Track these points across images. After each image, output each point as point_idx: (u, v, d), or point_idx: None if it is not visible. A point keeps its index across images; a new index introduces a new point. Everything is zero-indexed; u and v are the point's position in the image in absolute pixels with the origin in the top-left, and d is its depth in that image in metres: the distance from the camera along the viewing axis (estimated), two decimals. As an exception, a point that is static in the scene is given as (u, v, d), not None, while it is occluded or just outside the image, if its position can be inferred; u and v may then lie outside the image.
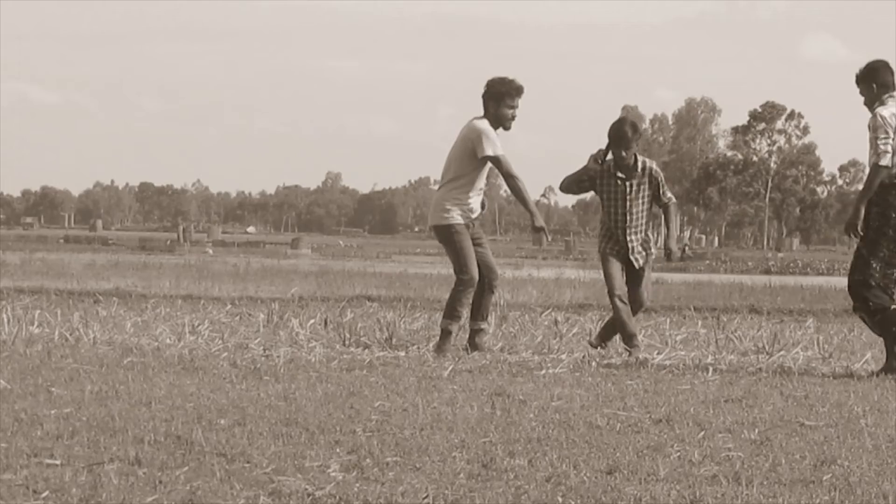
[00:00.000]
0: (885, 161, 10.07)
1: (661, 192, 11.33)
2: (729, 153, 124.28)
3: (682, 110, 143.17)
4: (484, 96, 11.16)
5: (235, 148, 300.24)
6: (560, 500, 5.29)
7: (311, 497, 5.23)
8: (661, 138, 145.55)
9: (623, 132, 11.12)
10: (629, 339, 11.21)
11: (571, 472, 5.77)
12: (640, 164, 11.26)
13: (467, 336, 11.30)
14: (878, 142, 10.05)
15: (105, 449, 6.11)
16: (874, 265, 10.11)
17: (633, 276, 11.41)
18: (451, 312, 11.12)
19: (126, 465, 5.75)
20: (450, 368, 9.78)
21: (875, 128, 10.11)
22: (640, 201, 11.29)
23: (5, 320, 12.24)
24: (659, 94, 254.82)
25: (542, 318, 14.86)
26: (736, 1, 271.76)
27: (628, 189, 11.27)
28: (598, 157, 11.21)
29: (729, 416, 7.62)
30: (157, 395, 7.95)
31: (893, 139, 10.07)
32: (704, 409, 7.91)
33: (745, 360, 11.09)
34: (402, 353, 10.94)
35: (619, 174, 11.26)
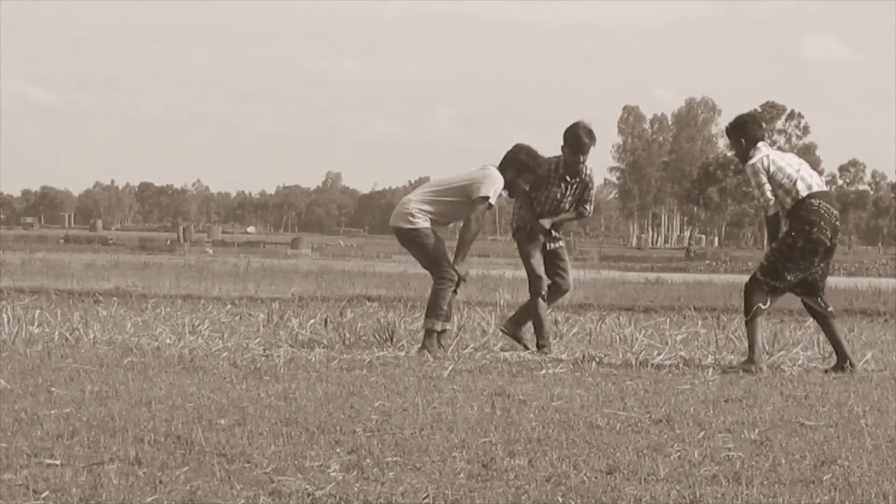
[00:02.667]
0: (774, 209, 10.49)
1: (585, 197, 11.69)
2: (729, 153, 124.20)
3: (682, 110, 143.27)
4: (507, 160, 11.30)
5: (235, 148, 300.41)
6: (560, 500, 5.29)
7: (311, 497, 5.23)
8: (661, 138, 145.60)
9: (581, 139, 11.39)
10: (545, 338, 11.47)
11: (571, 472, 5.77)
12: (586, 170, 11.57)
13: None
14: (759, 192, 10.51)
15: (105, 449, 6.10)
16: (786, 276, 10.47)
17: (559, 265, 11.67)
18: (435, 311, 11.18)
19: (126, 465, 5.74)
20: (450, 368, 9.79)
21: (751, 181, 10.56)
22: (571, 202, 11.64)
23: (5, 320, 12.25)
24: (659, 95, 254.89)
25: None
26: (735, 1, 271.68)
27: (568, 191, 11.58)
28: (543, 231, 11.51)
29: (729, 416, 7.62)
30: (157, 395, 7.95)
31: (767, 182, 10.46)
32: (704, 409, 7.91)
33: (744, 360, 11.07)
34: (402, 353, 10.94)
35: (567, 177, 11.51)
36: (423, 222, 11.27)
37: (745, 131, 10.66)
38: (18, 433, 6.48)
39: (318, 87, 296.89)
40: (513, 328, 11.71)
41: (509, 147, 11.39)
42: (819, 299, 10.74)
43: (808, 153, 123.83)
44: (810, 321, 15.59)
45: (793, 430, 7.19)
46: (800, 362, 10.97)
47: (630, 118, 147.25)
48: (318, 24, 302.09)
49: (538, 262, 11.57)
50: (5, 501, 5.10)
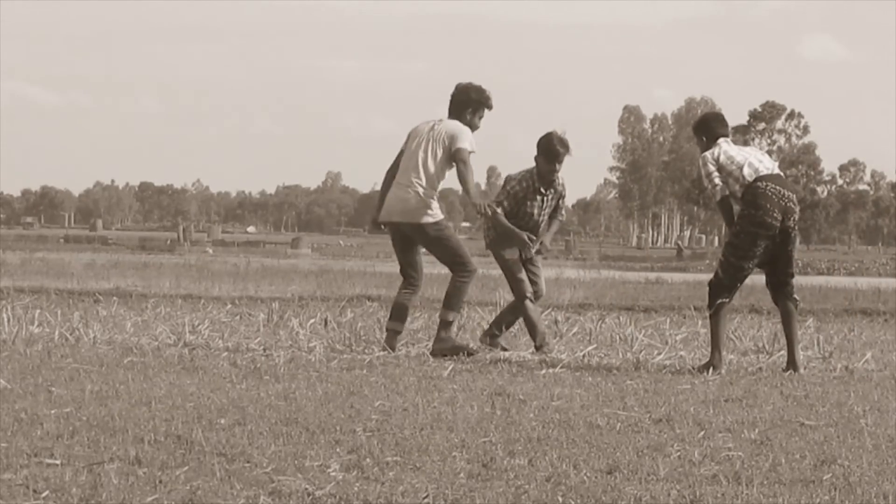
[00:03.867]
0: (720, 194, 10.41)
1: (559, 206, 11.78)
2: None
3: (682, 110, 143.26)
4: (460, 103, 11.05)
5: (235, 148, 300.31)
6: (560, 499, 5.29)
7: (311, 497, 5.23)
8: (661, 138, 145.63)
9: (555, 147, 11.42)
10: (542, 338, 11.46)
11: (571, 472, 5.77)
12: (559, 180, 11.63)
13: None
14: (708, 181, 10.45)
15: (105, 449, 6.10)
16: (743, 265, 10.36)
17: (532, 270, 11.66)
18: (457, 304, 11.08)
19: (126, 465, 5.74)
20: (450, 368, 9.78)
21: (701, 171, 10.52)
22: (547, 212, 11.69)
23: (5, 320, 12.24)
24: (659, 94, 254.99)
25: (542, 318, 14.85)
26: (735, 1, 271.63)
27: (544, 203, 11.62)
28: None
29: (729, 416, 7.61)
30: (157, 395, 7.95)
31: (715, 171, 10.40)
32: (704, 408, 7.91)
33: (745, 360, 11.09)
34: (402, 353, 10.93)
35: (542, 189, 11.55)
36: (440, 212, 11.10)
37: (707, 129, 10.67)
38: (18, 433, 6.47)
39: (318, 87, 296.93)
40: (491, 340, 11.62)
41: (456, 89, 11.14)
42: (787, 290, 10.54)
43: (808, 153, 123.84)
44: (810, 321, 15.62)
45: (793, 430, 7.19)
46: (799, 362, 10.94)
47: (630, 118, 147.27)
48: (318, 24, 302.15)
49: (517, 266, 11.52)
50: (5, 501, 5.10)
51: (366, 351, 11.04)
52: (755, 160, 10.40)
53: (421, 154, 10.94)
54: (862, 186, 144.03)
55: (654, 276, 32.30)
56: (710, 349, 10.47)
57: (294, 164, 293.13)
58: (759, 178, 10.29)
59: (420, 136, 10.99)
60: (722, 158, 10.41)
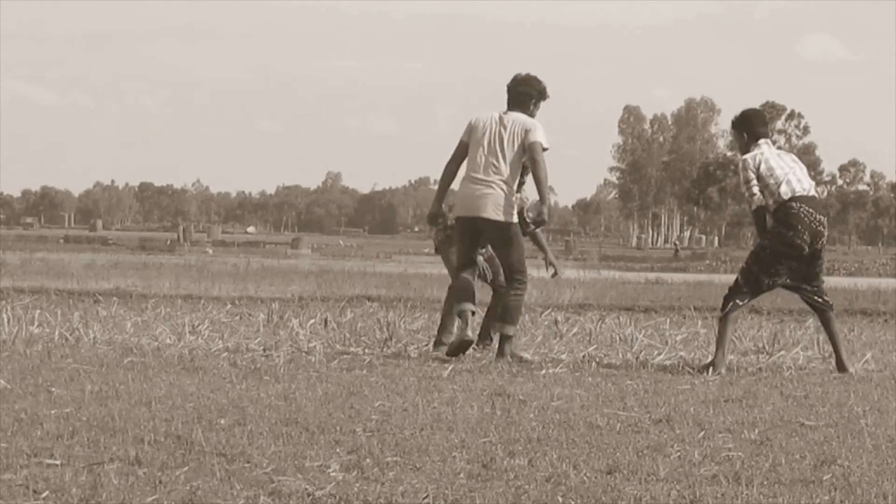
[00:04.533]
0: (756, 203, 10.46)
1: None
2: (729, 153, 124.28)
3: (682, 110, 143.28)
4: (527, 94, 10.86)
5: (235, 148, 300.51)
6: (560, 500, 5.29)
7: (311, 497, 5.23)
8: (661, 138, 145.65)
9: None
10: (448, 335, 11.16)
11: (571, 472, 5.77)
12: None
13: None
14: (745, 188, 10.54)
15: (105, 449, 6.10)
16: (764, 280, 10.43)
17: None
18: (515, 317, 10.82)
19: (126, 465, 5.74)
20: (450, 368, 9.78)
21: (740, 176, 10.63)
22: None
23: (5, 320, 12.24)
24: (658, 94, 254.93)
25: (542, 318, 14.86)
26: (735, 1, 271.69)
27: None
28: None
29: (729, 416, 7.61)
30: (157, 395, 7.95)
31: (755, 179, 10.48)
32: (704, 409, 7.91)
33: (745, 360, 11.09)
34: (402, 353, 10.93)
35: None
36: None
37: (749, 126, 10.68)
38: (18, 433, 6.47)
39: (318, 87, 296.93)
40: (484, 339, 11.52)
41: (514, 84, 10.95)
42: (818, 301, 10.62)
43: (808, 153, 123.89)
44: (810, 321, 15.60)
45: (793, 430, 7.18)
46: (800, 362, 10.96)
47: (630, 118, 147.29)
48: (318, 24, 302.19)
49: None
50: (5, 501, 5.10)
51: (366, 351, 11.04)
52: (794, 178, 10.45)
53: (497, 148, 10.66)
54: (862, 187, 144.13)
55: (654, 277, 32.32)
56: (713, 349, 10.49)
57: (294, 164, 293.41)
58: (793, 199, 10.37)
59: (488, 128, 10.70)
60: (762, 168, 10.45)
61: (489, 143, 10.66)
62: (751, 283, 10.44)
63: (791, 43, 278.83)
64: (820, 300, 10.61)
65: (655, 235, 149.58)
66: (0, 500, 5.12)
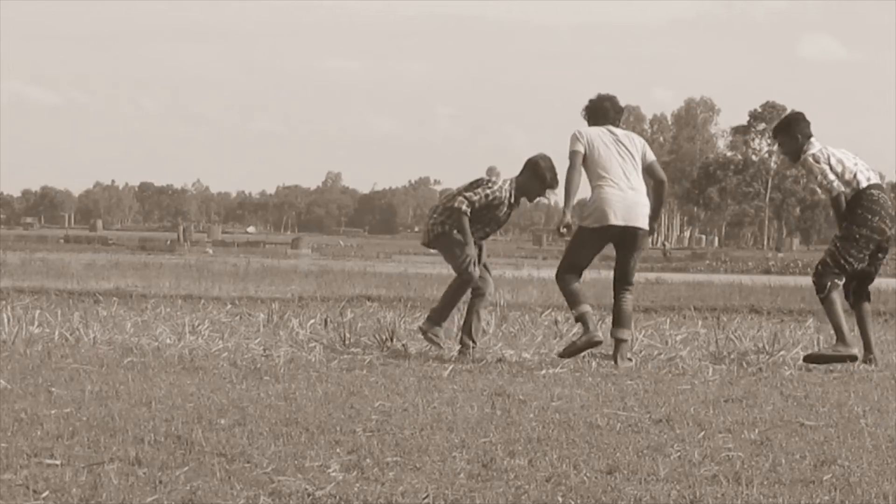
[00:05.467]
0: (837, 191, 10.99)
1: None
2: (729, 153, 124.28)
3: (682, 110, 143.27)
4: (620, 111, 11.20)
5: (235, 148, 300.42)
6: (560, 500, 5.29)
7: (311, 497, 5.23)
8: (661, 138, 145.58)
9: (554, 182, 11.62)
10: (441, 326, 11.42)
11: (571, 472, 5.77)
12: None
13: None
14: (823, 178, 10.99)
15: (105, 449, 6.11)
16: (851, 262, 11.00)
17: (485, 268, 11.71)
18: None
19: (126, 465, 5.74)
20: (450, 368, 9.79)
21: (813, 170, 11.04)
22: (504, 220, 11.87)
23: (5, 320, 12.24)
24: (658, 94, 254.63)
25: (542, 318, 14.87)
26: (735, 1, 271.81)
27: (510, 212, 11.78)
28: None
29: (729, 416, 7.61)
30: (157, 395, 7.95)
31: (829, 169, 11.00)
32: (704, 409, 7.91)
33: (745, 360, 11.08)
34: (402, 353, 10.93)
35: (515, 203, 11.68)
36: None
37: (802, 128, 11.13)
38: (18, 433, 6.48)
39: (318, 87, 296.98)
40: (468, 338, 11.48)
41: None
42: (867, 291, 11.37)
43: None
44: (811, 321, 15.61)
45: (793, 430, 7.19)
46: (800, 362, 10.96)
47: (630, 118, 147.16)
48: (318, 24, 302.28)
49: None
50: (5, 501, 5.10)
51: (366, 351, 11.04)
52: (863, 167, 11.05)
53: (629, 158, 10.92)
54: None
55: (654, 277, 32.29)
56: (834, 337, 11.00)
57: (294, 164, 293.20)
58: (871, 186, 10.97)
59: (608, 142, 10.88)
60: (832, 161, 10.98)
61: (619, 154, 10.90)
62: (839, 265, 10.94)
63: (791, 43, 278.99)
64: (869, 288, 11.35)
65: (655, 235, 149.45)
66: (0, 500, 5.12)
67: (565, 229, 10.89)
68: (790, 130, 11.18)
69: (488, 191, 11.48)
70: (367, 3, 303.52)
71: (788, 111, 11.57)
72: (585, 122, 11.17)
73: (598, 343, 10.60)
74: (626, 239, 10.81)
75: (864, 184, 10.95)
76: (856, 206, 10.93)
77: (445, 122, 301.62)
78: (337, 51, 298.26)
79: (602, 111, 11.09)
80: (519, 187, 11.62)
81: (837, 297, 10.96)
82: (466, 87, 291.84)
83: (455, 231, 11.42)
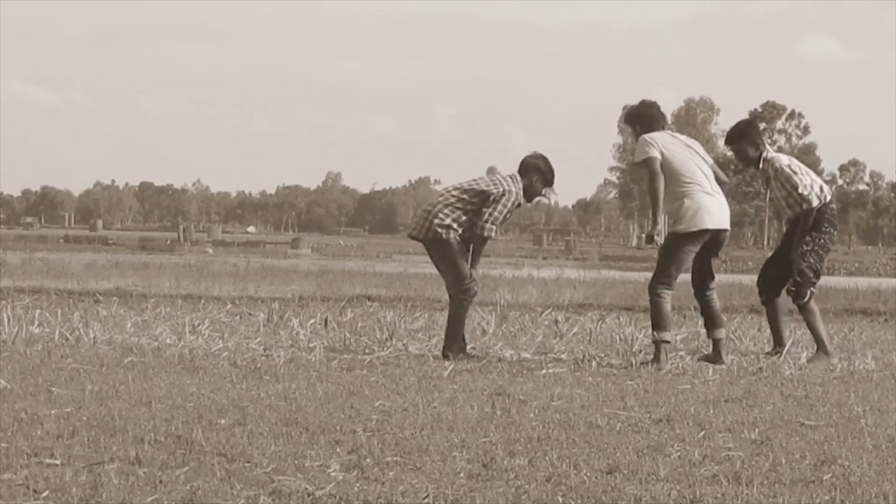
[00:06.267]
0: (815, 203, 11.14)
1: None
2: (729, 153, 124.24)
3: (682, 110, 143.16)
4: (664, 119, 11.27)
5: (235, 148, 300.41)
6: (560, 499, 5.29)
7: (311, 497, 5.23)
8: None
9: (553, 178, 11.55)
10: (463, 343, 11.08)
11: (572, 472, 5.77)
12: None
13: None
14: (804, 189, 11.13)
15: (105, 449, 6.11)
16: (819, 270, 11.32)
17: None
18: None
19: (126, 465, 5.74)
20: (450, 368, 9.79)
21: (787, 178, 11.16)
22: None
23: (5, 320, 12.24)
24: (658, 94, 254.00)
25: (542, 318, 14.86)
26: (735, 1, 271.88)
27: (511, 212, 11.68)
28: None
29: (729, 416, 7.62)
30: (157, 395, 7.95)
31: (808, 182, 11.19)
32: (704, 409, 7.91)
33: (745, 360, 11.09)
34: (402, 353, 10.93)
35: (525, 202, 11.58)
36: None
37: (759, 136, 11.30)
38: (18, 433, 6.48)
39: (318, 87, 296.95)
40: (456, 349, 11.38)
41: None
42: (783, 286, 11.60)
43: (808, 153, 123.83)
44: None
45: (793, 430, 7.19)
46: (800, 362, 10.96)
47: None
48: (318, 24, 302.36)
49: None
50: (5, 501, 5.10)
51: (366, 351, 11.04)
52: (820, 180, 11.31)
53: (702, 163, 10.91)
54: (862, 187, 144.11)
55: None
56: (815, 345, 11.34)
57: (294, 164, 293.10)
58: (831, 200, 11.27)
59: (683, 146, 10.91)
60: (801, 172, 11.21)
61: (692, 157, 10.90)
62: (816, 273, 11.21)
63: (791, 43, 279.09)
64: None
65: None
66: (0, 500, 5.12)
67: (658, 237, 10.87)
68: (750, 137, 11.25)
69: (509, 204, 11.19)
70: (367, 3, 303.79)
71: (741, 119, 11.55)
72: (625, 131, 11.22)
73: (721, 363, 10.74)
74: (716, 242, 10.92)
75: (828, 196, 11.18)
76: (821, 219, 11.16)
77: (445, 121, 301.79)
78: (337, 51, 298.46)
79: (653, 117, 11.09)
80: (525, 188, 11.60)
81: (816, 306, 11.27)
82: (466, 87, 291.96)
83: (458, 241, 11.10)
